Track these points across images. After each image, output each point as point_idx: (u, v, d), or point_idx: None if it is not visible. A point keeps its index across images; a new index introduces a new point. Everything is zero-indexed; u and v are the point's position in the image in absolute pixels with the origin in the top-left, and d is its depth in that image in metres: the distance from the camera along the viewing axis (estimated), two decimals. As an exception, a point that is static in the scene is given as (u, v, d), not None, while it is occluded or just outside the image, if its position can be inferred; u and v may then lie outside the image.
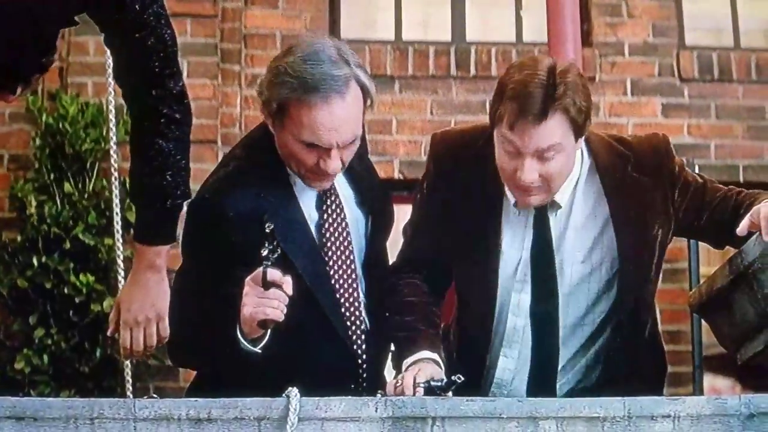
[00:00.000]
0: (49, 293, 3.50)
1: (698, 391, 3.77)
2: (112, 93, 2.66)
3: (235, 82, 3.96)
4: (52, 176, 3.59)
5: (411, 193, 4.27)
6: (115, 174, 2.72)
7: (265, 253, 1.72)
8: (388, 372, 1.99)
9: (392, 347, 1.92)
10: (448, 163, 1.96)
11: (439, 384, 1.71)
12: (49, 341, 3.46)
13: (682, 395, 1.72)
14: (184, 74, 4.46)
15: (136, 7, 1.65)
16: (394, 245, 2.08)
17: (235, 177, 1.87)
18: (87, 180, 3.59)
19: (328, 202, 1.91)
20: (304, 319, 1.81)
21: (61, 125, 3.60)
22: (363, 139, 1.96)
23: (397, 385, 1.75)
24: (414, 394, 1.71)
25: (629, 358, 1.92)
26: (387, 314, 1.91)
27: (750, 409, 1.62)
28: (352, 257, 1.90)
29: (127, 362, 2.59)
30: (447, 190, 1.95)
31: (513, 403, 1.63)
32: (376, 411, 1.60)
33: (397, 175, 4.01)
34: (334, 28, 4.04)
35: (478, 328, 1.93)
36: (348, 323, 1.88)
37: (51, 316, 3.49)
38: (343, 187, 1.94)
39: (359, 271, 1.90)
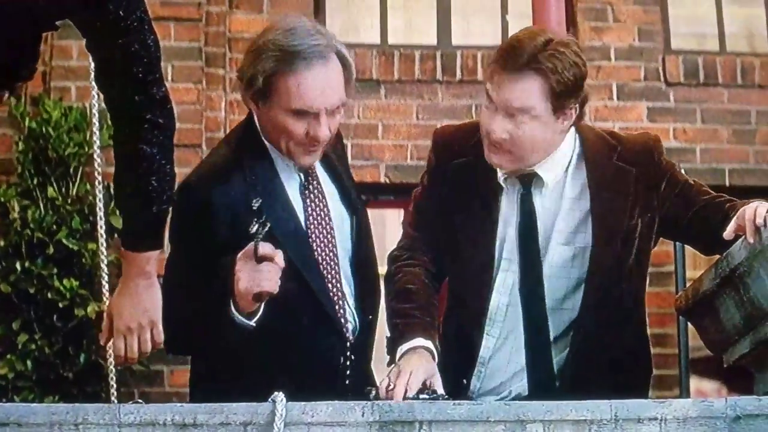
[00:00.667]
0: (32, 298, 3.48)
1: (685, 393, 3.78)
2: (96, 97, 2.65)
3: (220, 86, 3.95)
4: (35, 181, 3.56)
5: (397, 197, 4.29)
6: (99, 178, 2.71)
7: (254, 228, 1.75)
8: (379, 367, 1.99)
9: (387, 333, 1.93)
10: (447, 153, 2.01)
11: (426, 397, 1.73)
12: (33, 346, 3.44)
13: (668, 398, 1.72)
14: (168, 78, 4.44)
15: (120, 12, 1.64)
16: (382, 248, 2.09)
17: (219, 164, 1.93)
18: (70, 185, 3.57)
19: (311, 188, 1.95)
20: (292, 296, 1.84)
21: (44, 129, 3.58)
22: (341, 141, 2.04)
23: (389, 389, 1.76)
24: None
25: (611, 350, 1.92)
26: (385, 300, 1.94)
27: (736, 412, 1.63)
28: (334, 241, 1.93)
29: (112, 368, 2.57)
30: (445, 179, 1.99)
31: (500, 406, 1.63)
32: (362, 415, 1.60)
33: (383, 179, 4.01)
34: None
35: (468, 308, 1.95)
36: (334, 300, 1.90)
37: (34, 321, 3.46)
38: (325, 183, 1.98)
39: (341, 259, 1.93)
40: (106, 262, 2.70)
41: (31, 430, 1.56)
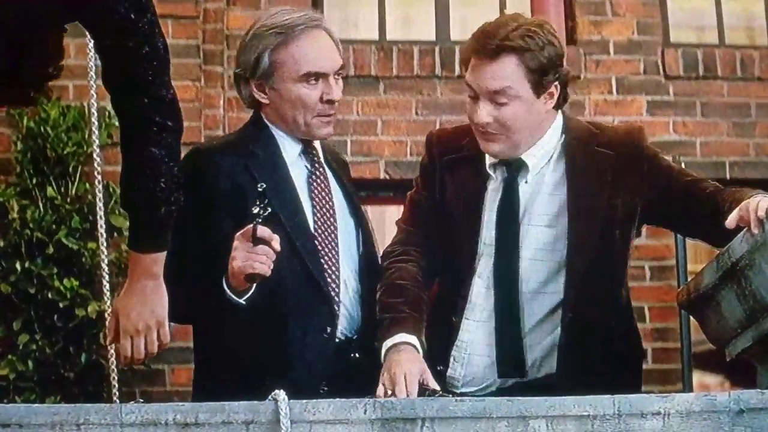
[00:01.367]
0: (32, 298, 3.47)
1: (687, 388, 3.78)
2: (94, 96, 2.64)
3: (218, 83, 3.94)
4: (34, 180, 3.56)
5: (397, 193, 4.29)
6: (99, 177, 2.70)
7: (256, 210, 1.81)
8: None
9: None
10: (439, 150, 2.05)
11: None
12: (34, 347, 3.43)
13: (671, 392, 1.72)
14: (167, 75, 4.35)
15: (132, 15, 1.66)
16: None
17: (226, 137, 2.08)
18: (69, 184, 3.56)
19: (316, 175, 1.99)
20: (289, 273, 1.88)
21: (42, 129, 3.57)
22: (344, 161, 2.13)
23: (387, 397, 1.76)
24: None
25: (600, 331, 1.92)
26: (377, 295, 1.96)
27: (739, 405, 1.63)
28: (336, 232, 1.96)
29: (113, 367, 2.57)
30: (437, 174, 2.03)
31: (502, 402, 1.63)
32: (365, 413, 1.60)
33: (382, 175, 4.01)
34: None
35: (452, 292, 1.97)
36: (328, 274, 1.94)
37: (35, 321, 3.46)
38: (330, 179, 2.02)
39: (341, 251, 1.96)
40: (106, 261, 2.70)
41: (33, 431, 1.56)
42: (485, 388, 1.94)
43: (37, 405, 1.64)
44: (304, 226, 1.93)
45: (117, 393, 2.58)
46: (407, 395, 1.75)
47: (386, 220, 4.59)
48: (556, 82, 1.95)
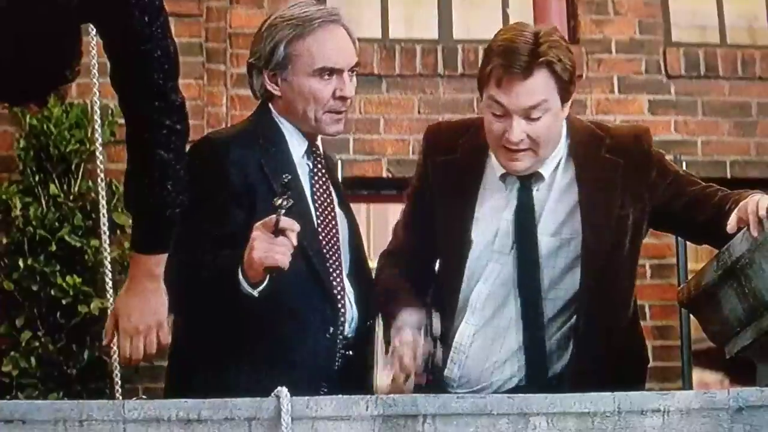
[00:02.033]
0: (35, 295, 3.48)
1: (687, 385, 3.79)
2: (97, 94, 2.65)
3: (221, 81, 3.94)
4: (37, 178, 3.56)
5: (399, 191, 4.29)
6: (101, 175, 2.71)
7: (279, 201, 1.78)
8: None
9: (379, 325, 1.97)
10: (434, 150, 2.05)
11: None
12: (37, 344, 3.44)
13: (671, 390, 1.72)
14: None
15: (145, 18, 1.66)
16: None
17: (235, 128, 2.03)
18: (72, 181, 3.57)
19: (319, 175, 1.99)
20: (295, 273, 1.86)
21: (45, 126, 3.58)
22: (331, 158, 2.11)
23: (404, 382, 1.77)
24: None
25: (601, 344, 1.92)
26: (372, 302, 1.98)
27: (739, 403, 1.63)
28: (337, 229, 1.96)
29: (116, 364, 2.58)
30: (429, 177, 2.02)
31: (503, 399, 1.64)
32: (367, 409, 1.60)
33: (385, 174, 4.01)
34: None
35: (447, 295, 1.97)
36: (333, 276, 1.93)
37: (38, 318, 3.46)
38: (330, 183, 2.02)
39: (342, 251, 1.97)
40: (108, 258, 2.70)
41: (36, 427, 1.56)
42: (481, 389, 1.95)
43: (40, 401, 1.65)
44: (311, 226, 1.92)
45: (120, 389, 2.59)
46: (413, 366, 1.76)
47: (389, 219, 4.60)
48: (573, 88, 1.96)
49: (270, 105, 1.99)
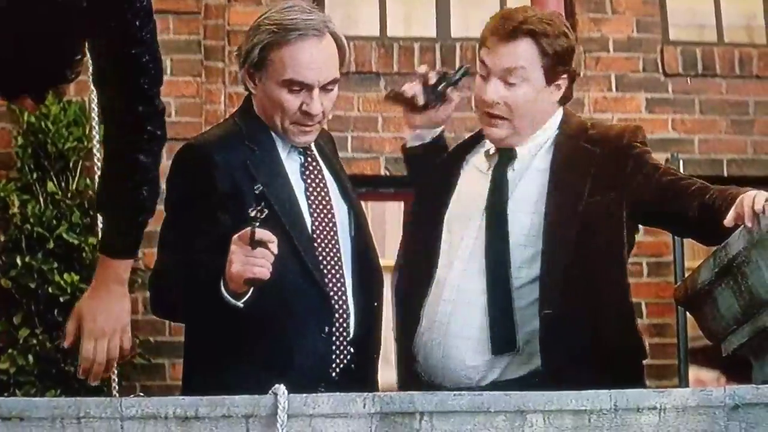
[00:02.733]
0: (33, 293, 3.48)
1: (684, 383, 3.79)
2: (95, 92, 2.64)
3: (219, 79, 3.94)
4: (34, 175, 3.56)
5: (397, 189, 4.29)
6: (99, 173, 2.70)
7: (253, 213, 1.77)
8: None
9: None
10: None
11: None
12: (34, 341, 3.44)
13: (667, 387, 1.73)
14: (167, 72, 4.41)
15: (137, 22, 1.66)
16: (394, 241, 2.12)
17: (220, 129, 1.99)
18: (70, 179, 3.57)
19: (311, 169, 1.97)
20: (288, 273, 1.86)
21: (43, 124, 3.58)
22: (333, 141, 2.09)
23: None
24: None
25: (581, 334, 1.90)
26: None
27: (734, 401, 1.64)
28: (334, 221, 1.95)
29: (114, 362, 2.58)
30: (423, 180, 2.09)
31: (500, 397, 1.64)
32: (364, 407, 1.61)
33: (383, 171, 4.01)
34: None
35: (426, 271, 2.00)
36: (328, 273, 1.92)
37: (35, 315, 3.46)
38: (324, 169, 2.00)
39: (341, 244, 1.95)
40: (106, 256, 2.69)
41: (33, 424, 1.56)
42: (457, 368, 1.94)
43: (37, 399, 1.66)
44: (302, 224, 1.91)
45: (117, 387, 2.59)
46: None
47: (386, 217, 4.60)
48: (565, 75, 1.99)
49: (253, 101, 1.98)
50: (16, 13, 1.55)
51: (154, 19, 1.70)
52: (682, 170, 3.94)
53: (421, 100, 2.08)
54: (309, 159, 1.98)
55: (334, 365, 1.89)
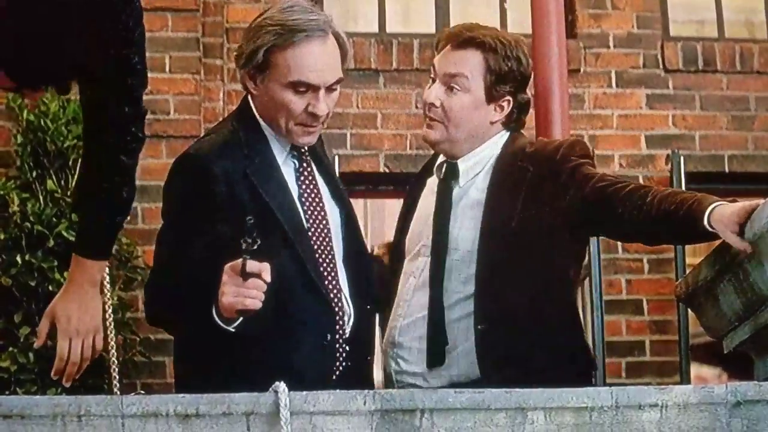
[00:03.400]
0: (33, 291, 3.48)
1: (685, 380, 3.80)
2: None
3: (218, 76, 3.94)
4: (34, 173, 3.56)
5: (396, 187, 4.28)
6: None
7: (244, 246, 1.74)
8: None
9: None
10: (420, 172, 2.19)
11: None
12: (35, 339, 3.43)
13: (668, 384, 1.73)
14: (166, 69, 4.40)
15: (129, 23, 1.66)
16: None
17: (218, 137, 1.95)
18: (70, 177, 3.57)
19: (305, 174, 1.97)
20: (290, 281, 1.86)
21: (42, 122, 3.57)
22: (323, 143, 2.08)
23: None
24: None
25: (516, 350, 1.92)
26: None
27: (736, 397, 1.64)
28: (328, 227, 1.95)
29: (114, 359, 2.59)
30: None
31: (501, 394, 1.64)
32: (364, 404, 1.60)
33: (382, 168, 4.01)
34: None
35: (390, 290, 2.06)
36: (329, 285, 1.92)
37: (36, 314, 3.46)
38: (317, 172, 2.00)
39: (335, 247, 1.96)
40: (106, 254, 2.70)
41: (34, 423, 1.56)
42: (420, 381, 1.98)
43: (38, 397, 1.65)
44: (303, 232, 1.90)
45: (118, 385, 2.59)
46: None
47: (386, 213, 4.60)
48: (509, 98, 2.04)
49: (251, 102, 1.97)
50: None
51: (143, 23, 1.71)
52: (683, 166, 3.98)
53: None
54: (304, 164, 1.97)
55: (333, 374, 1.89)
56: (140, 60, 1.70)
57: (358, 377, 1.90)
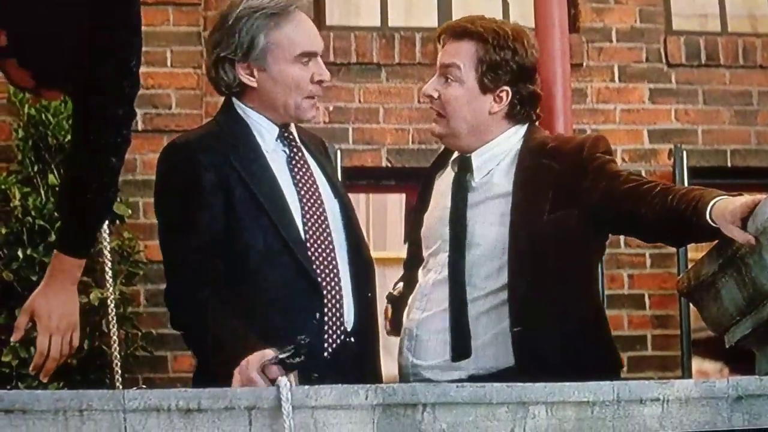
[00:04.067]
0: (35, 286, 3.43)
1: (687, 374, 3.80)
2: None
3: (220, 71, 3.93)
4: (35, 168, 3.56)
5: (399, 181, 4.27)
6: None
7: (289, 359, 1.70)
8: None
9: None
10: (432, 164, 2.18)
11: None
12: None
13: (670, 379, 1.73)
14: (168, 63, 4.39)
15: (136, 27, 1.69)
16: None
17: (201, 129, 2.04)
18: (72, 171, 3.57)
19: (297, 159, 1.98)
20: (277, 264, 1.87)
21: (43, 116, 3.57)
22: (324, 144, 2.13)
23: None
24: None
25: (550, 347, 1.92)
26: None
27: (738, 392, 1.64)
28: (325, 214, 1.96)
29: (116, 354, 2.59)
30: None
31: (502, 388, 1.64)
32: (366, 398, 1.61)
33: (384, 163, 4.01)
34: (318, 15, 4.02)
35: (412, 285, 2.06)
36: (318, 263, 1.92)
37: (37, 308, 3.46)
38: (310, 160, 2.01)
39: (334, 236, 1.96)
40: (108, 248, 2.70)
41: (36, 417, 1.56)
42: (425, 371, 1.98)
43: (40, 391, 1.65)
44: (290, 217, 1.91)
45: (120, 379, 2.59)
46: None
47: (388, 208, 4.59)
48: (506, 88, 2.00)
49: (234, 101, 1.98)
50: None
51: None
52: (685, 161, 3.98)
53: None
54: (295, 150, 1.99)
55: (326, 353, 1.89)
56: (137, 63, 1.72)
57: (361, 366, 1.90)
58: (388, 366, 2.06)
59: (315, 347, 1.86)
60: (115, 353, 2.69)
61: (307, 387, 1.62)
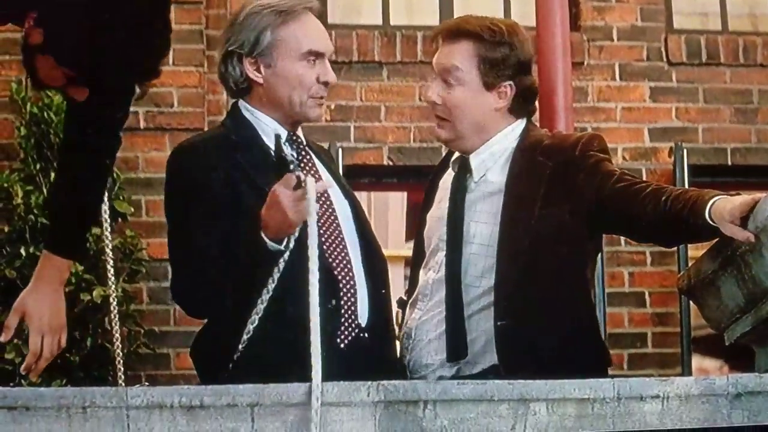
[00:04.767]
0: (37, 283, 3.48)
1: (687, 371, 3.80)
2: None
3: (222, 69, 3.93)
4: (38, 166, 3.57)
5: (400, 179, 4.27)
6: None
7: (291, 166, 1.80)
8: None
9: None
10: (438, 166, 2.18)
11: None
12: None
13: (670, 376, 1.73)
14: (170, 62, 4.40)
15: (167, 37, 1.73)
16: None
17: (208, 132, 2.09)
18: (74, 169, 3.57)
19: (305, 161, 2.00)
20: (289, 263, 1.87)
21: (46, 114, 3.58)
22: (328, 153, 2.17)
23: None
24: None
25: (536, 346, 1.92)
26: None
27: (737, 389, 1.64)
28: (335, 214, 1.97)
29: (119, 351, 2.60)
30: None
31: (504, 385, 1.65)
32: (368, 395, 1.61)
33: (386, 161, 4.01)
34: (320, 13, 4.03)
35: (413, 287, 2.08)
36: (329, 253, 1.93)
37: (40, 306, 3.47)
38: (320, 167, 2.03)
39: (345, 233, 1.97)
40: (110, 246, 2.70)
41: (39, 414, 1.57)
42: (422, 370, 2.00)
43: (43, 388, 1.66)
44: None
45: (122, 377, 2.60)
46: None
47: (389, 206, 4.59)
48: (510, 83, 2.01)
49: (240, 103, 2.00)
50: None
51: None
52: (686, 159, 3.98)
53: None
54: (303, 152, 2.01)
55: (342, 344, 1.90)
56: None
57: (378, 359, 1.91)
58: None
59: (329, 330, 1.85)
60: (118, 350, 2.70)
61: (307, 384, 1.62)
